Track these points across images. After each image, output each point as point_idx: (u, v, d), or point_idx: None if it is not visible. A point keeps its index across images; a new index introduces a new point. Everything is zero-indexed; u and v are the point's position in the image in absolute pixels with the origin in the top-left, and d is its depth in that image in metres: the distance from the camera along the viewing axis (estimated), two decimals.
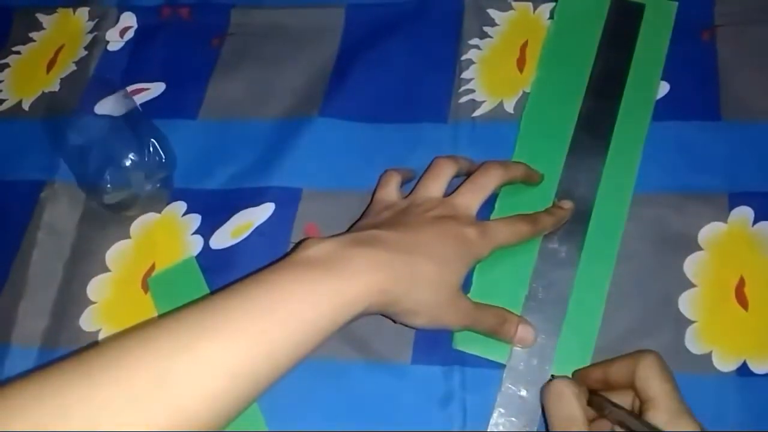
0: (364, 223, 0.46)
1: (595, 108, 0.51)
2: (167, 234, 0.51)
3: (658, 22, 0.53)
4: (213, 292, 0.39)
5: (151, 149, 0.51)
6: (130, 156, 0.51)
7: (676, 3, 0.53)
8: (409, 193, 0.48)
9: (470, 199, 0.46)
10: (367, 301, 0.38)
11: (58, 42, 0.61)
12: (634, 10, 0.54)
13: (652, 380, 0.38)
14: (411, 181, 0.50)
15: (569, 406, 0.39)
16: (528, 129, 0.51)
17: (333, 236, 0.41)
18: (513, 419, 0.43)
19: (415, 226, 0.43)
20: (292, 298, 0.37)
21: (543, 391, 0.41)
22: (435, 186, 0.47)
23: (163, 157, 0.51)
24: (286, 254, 0.40)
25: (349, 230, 0.45)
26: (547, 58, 0.54)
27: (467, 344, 0.45)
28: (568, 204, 0.48)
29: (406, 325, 0.43)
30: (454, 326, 0.43)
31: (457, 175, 0.48)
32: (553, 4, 0.56)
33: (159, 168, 0.52)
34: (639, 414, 0.38)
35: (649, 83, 0.51)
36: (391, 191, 0.48)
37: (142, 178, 0.51)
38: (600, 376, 0.41)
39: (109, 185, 0.50)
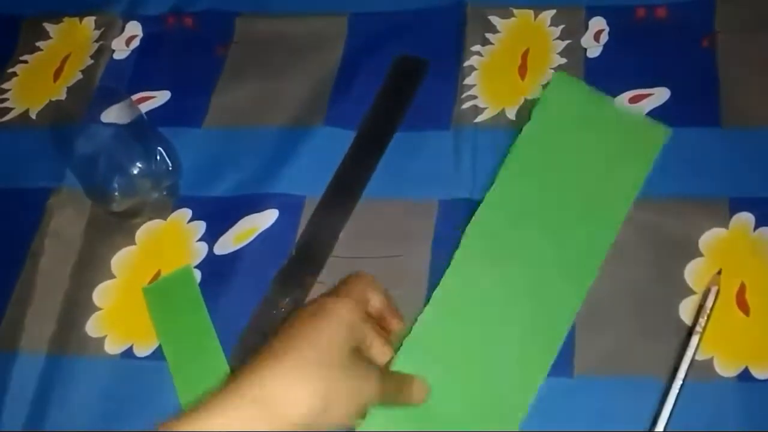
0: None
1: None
2: (172, 241, 0.52)
3: (645, 144, 0.49)
4: None
5: (158, 157, 0.52)
6: (138, 164, 0.51)
7: (671, 130, 0.50)
8: None
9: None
10: None
11: (65, 51, 0.62)
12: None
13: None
14: None
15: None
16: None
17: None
18: None
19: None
20: None
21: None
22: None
23: (170, 165, 0.52)
24: None
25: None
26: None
27: None
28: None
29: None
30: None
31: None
32: (554, 11, 0.56)
33: (166, 176, 0.52)
34: None
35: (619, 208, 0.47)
36: None
37: (149, 186, 0.52)
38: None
39: (117, 193, 0.51)
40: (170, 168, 0.52)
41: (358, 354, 0.40)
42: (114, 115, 0.56)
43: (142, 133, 0.53)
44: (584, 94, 0.51)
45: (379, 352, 0.41)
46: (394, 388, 0.42)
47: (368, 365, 0.40)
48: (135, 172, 0.51)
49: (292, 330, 0.39)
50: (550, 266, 0.46)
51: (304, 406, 0.36)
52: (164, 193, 0.53)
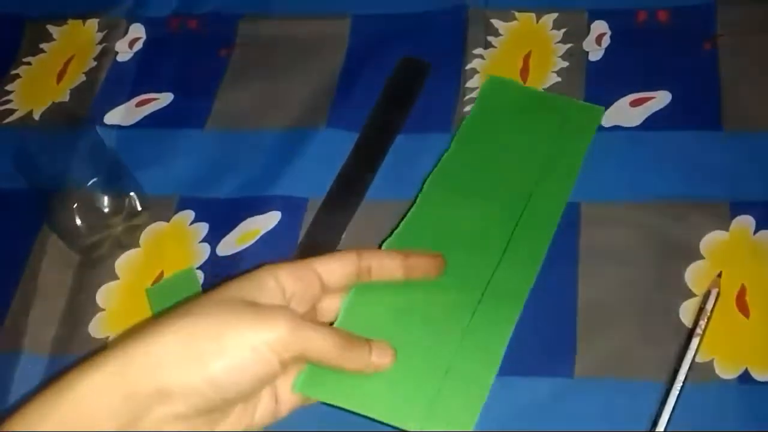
0: None
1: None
2: (175, 242, 0.52)
3: (581, 124, 0.51)
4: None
5: (105, 202, 0.50)
6: (80, 231, 0.50)
7: (603, 108, 0.52)
8: None
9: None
10: None
11: (68, 53, 0.62)
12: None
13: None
14: None
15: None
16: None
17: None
18: None
19: None
20: None
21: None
22: None
23: (107, 206, 0.50)
24: None
25: None
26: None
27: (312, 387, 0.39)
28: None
29: None
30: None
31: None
32: (556, 14, 0.57)
33: (115, 210, 0.51)
34: None
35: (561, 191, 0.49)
36: None
37: (108, 225, 0.51)
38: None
39: (87, 244, 0.51)
40: (106, 208, 0.50)
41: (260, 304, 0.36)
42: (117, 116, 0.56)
43: (96, 165, 0.51)
44: (518, 88, 0.53)
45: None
46: (331, 344, 0.36)
47: (271, 311, 0.35)
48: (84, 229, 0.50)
49: None
50: (499, 248, 0.46)
51: (161, 351, 0.33)
52: (133, 212, 0.52)
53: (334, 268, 0.39)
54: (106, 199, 0.50)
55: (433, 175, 0.50)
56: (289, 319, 0.35)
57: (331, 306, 0.40)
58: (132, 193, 0.52)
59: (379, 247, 0.46)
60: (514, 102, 0.53)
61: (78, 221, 0.49)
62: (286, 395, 0.38)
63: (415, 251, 0.42)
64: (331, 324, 0.41)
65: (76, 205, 0.49)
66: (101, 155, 0.53)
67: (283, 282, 0.37)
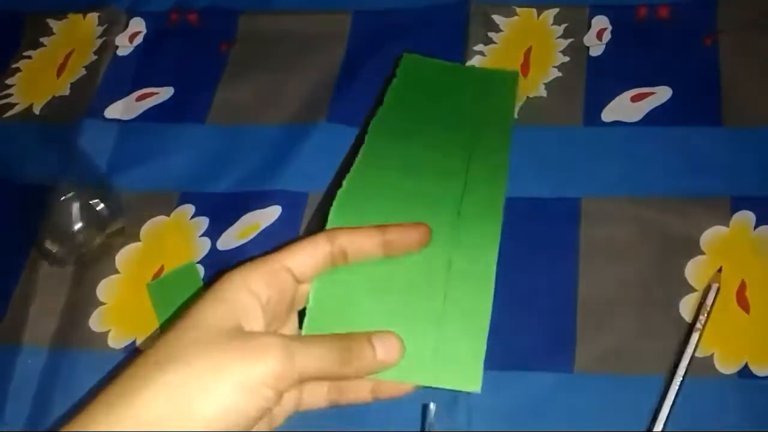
0: None
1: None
2: (176, 237, 0.52)
3: (501, 88, 0.52)
4: None
5: (73, 215, 0.49)
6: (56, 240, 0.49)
7: (518, 70, 0.53)
8: None
9: None
10: None
11: (69, 47, 0.62)
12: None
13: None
14: None
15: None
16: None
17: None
18: None
19: None
20: None
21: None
22: None
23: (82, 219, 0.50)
24: None
25: None
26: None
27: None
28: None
29: None
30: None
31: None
32: (557, 9, 0.57)
33: (97, 222, 0.50)
34: None
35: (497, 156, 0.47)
36: None
37: (86, 236, 0.50)
38: None
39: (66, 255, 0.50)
40: (76, 226, 0.50)
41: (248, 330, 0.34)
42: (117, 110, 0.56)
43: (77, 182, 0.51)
44: (433, 63, 0.54)
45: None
46: (330, 361, 0.34)
47: (259, 343, 0.33)
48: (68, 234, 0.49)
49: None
50: (454, 203, 0.44)
51: (152, 410, 0.31)
52: (111, 229, 0.51)
53: (305, 260, 0.36)
54: (74, 212, 0.49)
55: (368, 138, 0.47)
56: (279, 348, 0.32)
57: (305, 292, 0.38)
58: (99, 202, 0.50)
59: (325, 210, 0.42)
60: (431, 76, 0.53)
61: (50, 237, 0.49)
62: (280, 407, 0.36)
63: (394, 224, 0.39)
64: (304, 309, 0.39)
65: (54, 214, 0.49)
66: (70, 157, 0.53)
67: (256, 289, 0.35)
